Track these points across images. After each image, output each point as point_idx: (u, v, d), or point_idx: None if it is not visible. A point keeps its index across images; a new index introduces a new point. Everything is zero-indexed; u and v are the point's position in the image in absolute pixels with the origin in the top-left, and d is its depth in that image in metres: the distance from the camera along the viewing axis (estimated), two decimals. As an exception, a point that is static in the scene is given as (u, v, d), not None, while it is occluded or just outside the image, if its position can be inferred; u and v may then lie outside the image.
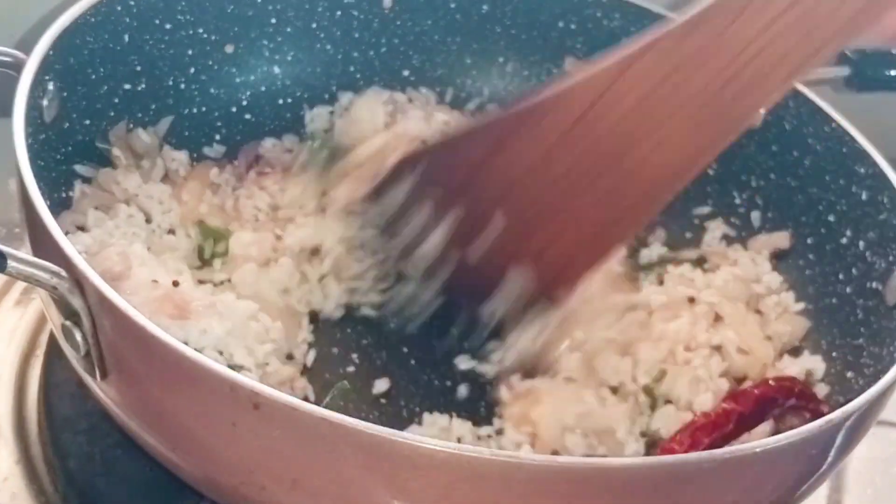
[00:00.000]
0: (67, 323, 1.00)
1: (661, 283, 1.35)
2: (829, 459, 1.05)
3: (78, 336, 1.00)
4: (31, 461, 1.19)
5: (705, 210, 1.43)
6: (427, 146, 1.27)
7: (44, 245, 1.01)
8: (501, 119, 1.21)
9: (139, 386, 1.02)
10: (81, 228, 1.22)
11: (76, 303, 0.99)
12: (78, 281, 0.98)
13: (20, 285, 1.35)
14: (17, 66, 1.15)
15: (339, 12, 1.47)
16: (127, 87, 1.32)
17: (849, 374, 1.21)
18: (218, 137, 1.41)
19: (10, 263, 0.96)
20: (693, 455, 0.98)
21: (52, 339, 1.27)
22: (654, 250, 1.40)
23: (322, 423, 0.90)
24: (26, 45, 1.18)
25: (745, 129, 1.14)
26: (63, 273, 0.98)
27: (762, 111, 1.12)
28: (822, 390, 1.22)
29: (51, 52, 1.18)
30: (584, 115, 1.14)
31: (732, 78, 1.09)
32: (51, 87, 1.18)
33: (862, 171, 1.28)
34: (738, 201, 1.41)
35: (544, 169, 1.18)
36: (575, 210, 1.19)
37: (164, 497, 1.15)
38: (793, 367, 1.25)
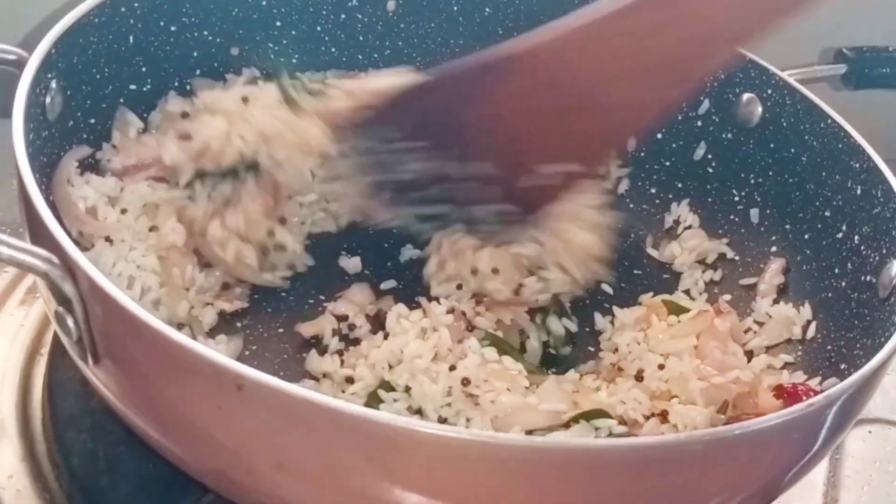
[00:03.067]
0: (60, 309, 1.01)
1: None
2: (818, 443, 1.05)
3: (70, 322, 1.01)
4: (35, 458, 1.20)
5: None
6: (399, 92, 1.29)
7: (39, 233, 1.03)
8: (482, 65, 1.24)
9: (129, 370, 1.03)
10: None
11: (68, 289, 1.00)
12: (70, 268, 0.99)
13: (24, 285, 1.37)
14: (20, 64, 1.17)
15: (343, 15, 1.49)
16: (132, 87, 1.34)
17: (843, 366, 1.21)
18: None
19: (3, 250, 0.98)
20: (674, 436, 0.98)
21: (57, 339, 1.27)
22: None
23: (305, 405, 0.91)
24: (31, 44, 1.19)
25: (691, 91, 1.23)
26: (55, 260, 0.99)
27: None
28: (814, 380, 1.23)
29: (53, 51, 1.19)
30: (558, 68, 1.19)
31: (686, 42, 1.13)
32: (53, 84, 1.20)
33: (857, 166, 1.28)
34: (736, 198, 1.42)
35: (518, 111, 1.22)
36: (547, 144, 1.23)
37: (166, 494, 1.15)
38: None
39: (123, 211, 1.26)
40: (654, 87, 1.17)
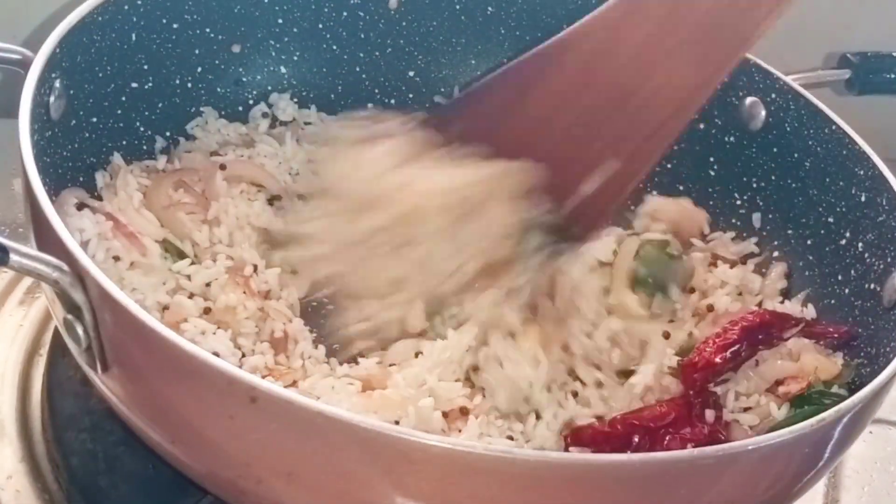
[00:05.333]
0: (69, 316, 1.01)
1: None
2: (825, 457, 1.06)
3: (79, 329, 1.01)
4: (34, 459, 1.20)
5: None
6: (451, 101, 1.38)
7: (46, 239, 1.02)
8: (523, 63, 1.28)
9: (139, 379, 1.02)
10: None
11: (77, 297, 0.99)
12: (79, 275, 0.99)
13: (23, 285, 1.36)
14: (25, 64, 1.16)
15: (345, 13, 1.48)
16: (134, 85, 1.33)
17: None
18: (223, 135, 1.42)
19: (13, 257, 0.97)
20: (687, 452, 0.98)
21: (56, 339, 1.27)
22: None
23: (318, 417, 0.91)
24: (34, 44, 1.18)
25: (740, 58, 1.23)
26: (65, 267, 0.99)
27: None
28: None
29: (58, 51, 1.18)
30: (596, 54, 1.23)
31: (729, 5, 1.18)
32: (58, 84, 1.19)
33: (861, 173, 1.28)
34: (738, 202, 1.42)
35: (563, 111, 1.24)
36: (594, 149, 1.25)
37: (166, 494, 1.15)
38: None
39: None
40: (701, 65, 1.18)
